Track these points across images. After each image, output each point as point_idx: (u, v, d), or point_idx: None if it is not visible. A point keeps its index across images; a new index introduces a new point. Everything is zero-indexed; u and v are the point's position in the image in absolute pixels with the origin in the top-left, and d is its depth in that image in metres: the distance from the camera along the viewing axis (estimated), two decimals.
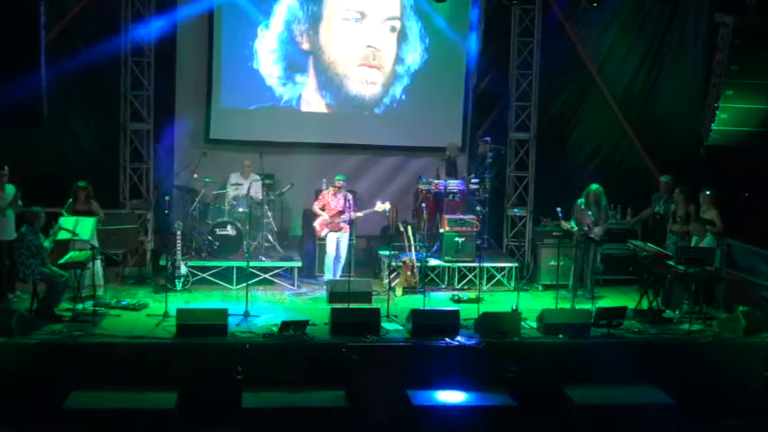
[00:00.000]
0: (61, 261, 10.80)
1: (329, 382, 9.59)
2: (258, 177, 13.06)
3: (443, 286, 12.71)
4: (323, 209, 12.45)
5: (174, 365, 9.57)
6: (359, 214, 12.50)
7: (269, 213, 13.09)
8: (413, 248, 12.49)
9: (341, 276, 12.30)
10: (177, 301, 11.17)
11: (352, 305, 10.86)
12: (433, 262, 12.68)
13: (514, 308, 11.23)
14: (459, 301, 12.00)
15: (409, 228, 12.65)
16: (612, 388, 9.90)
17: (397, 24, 14.17)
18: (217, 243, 12.59)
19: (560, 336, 10.38)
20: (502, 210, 14.16)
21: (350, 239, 12.48)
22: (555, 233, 12.76)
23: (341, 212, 12.36)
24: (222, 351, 9.75)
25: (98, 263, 11.29)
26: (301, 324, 10.04)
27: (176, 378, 9.45)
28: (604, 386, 9.91)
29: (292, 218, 14.25)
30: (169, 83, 13.65)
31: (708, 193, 12.10)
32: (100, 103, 13.27)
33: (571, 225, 12.12)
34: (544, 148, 14.18)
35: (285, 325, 9.98)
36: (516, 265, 12.98)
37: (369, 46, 14.11)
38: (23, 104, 10.10)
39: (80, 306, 10.63)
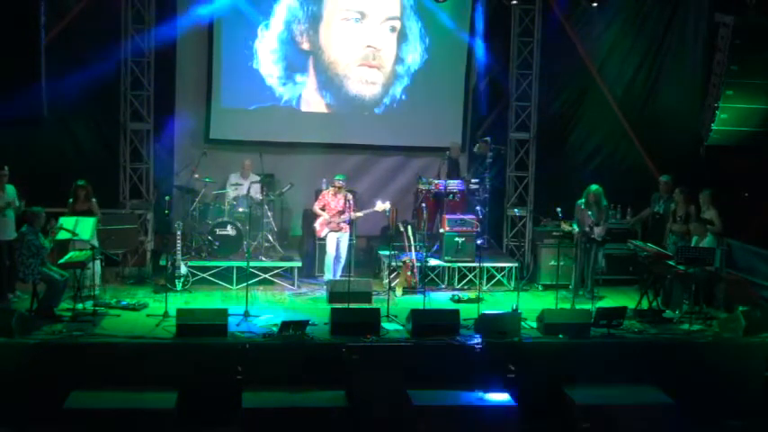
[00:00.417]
0: (61, 261, 10.80)
1: (329, 382, 9.58)
2: (258, 177, 13.06)
3: (443, 286, 12.71)
4: (323, 209, 12.45)
5: (174, 365, 9.57)
6: (359, 214, 12.50)
7: (269, 213, 13.09)
8: (413, 248, 12.49)
9: (341, 276, 12.30)
10: (177, 301, 11.17)
11: (352, 305, 10.86)
12: (433, 262, 12.68)
13: (514, 308, 11.23)
14: (459, 301, 12.00)
15: (409, 228, 12.65)
16: (612, 388, 9.89)
17: (397, 24, 14.18)
18: (217, 243, 12.59)
19: (560, 336, 10.38)
20: (502, 210, 14.16)
21: (350, 239, 12.48)
22: (555, 233, 12.76)
23: (341, 212, 12.36)
24: (222, 351, 9.75)
25: (97, 263, 11.29)
26: (301, 324, 10.03)
27: (176, 378, 9.44)
28: (604, 386, 9.90)
29: (292, 218, 14.25)
30: (169, 83, 13.65)
31: (707, 192, 12.10)
32: (100, 103, 13.26)
33: (572, 227, 12.12)
34: (544, 148, 14.18)
35: (285, 325, 9.97)
36: (516, 265, 12.98)
37: (369, 46, 14.11)
38: (23, 104, 10.11)
39: (80, 306, 10.63)
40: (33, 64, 10.17)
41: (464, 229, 12.81)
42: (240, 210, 12.88)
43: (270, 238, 13.05)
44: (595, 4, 13.48)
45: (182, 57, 13.71)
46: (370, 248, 13.93)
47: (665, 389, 9.90)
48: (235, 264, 12.26)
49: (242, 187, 13.21)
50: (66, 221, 10.85)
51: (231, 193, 13.15)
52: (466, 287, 12.66)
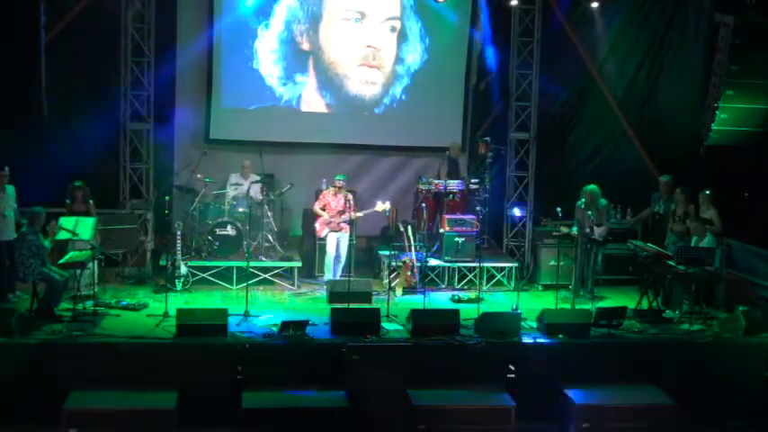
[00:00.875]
0: (61, 261, 10.79)
1: (329, 382, 9.59)
2: (258, 177, 13.06)
3: (443, 286, 12.71)
4: (323, 209, 12.45)
5: (174, 365, 9.56)
6: (359, 214, 12.50)
7: (269, 213, 13.09)
8: (413, 248, 12.48)
9: (341, 276, 12.30)
10: (177, 301, 11.17)
11: (352, 305, 10.86)
12: (433, 262, 12.68)
13: (514, 308, 11.23)
14: (459, 301, 12.00)
15: (409, 228, 12.65)
16: (612, 388, 9.89)
17: (397, 24, 14.18)
18: (217, 243, 12.59)
19: (560, 336, 10.38)
20: (502, 210, 14.16)
21: (350, 239, 12.48)
22: (555, 233, 12.76)
23: (341, 212, 12.36)
24: (222, 351, 9.75)
25: (97, 262, 11.27)
26: (301, 324, 10.03)
27: (176, 378, 9.44)
28: (604, 386, 9.90)
29: (292, 218, 14.25)
30: (169, 83, 13.64)
31: (707, 192, 12.10)
32: (100, 103, 13.26)
33: (571, 230, 12.11)
34: (544, 148, 14.18)
35: (285, 325, 9.98)
36: (516, 265, 12.98)
37: (369, 46, 14.11)
38: (23, 104, 10.11)
39: (80, 306, 10.63)
40: (33, 64, 10.17)
41: (464, 229, 12.81)
42: (240, 210, 12.88)
43: (270, 238, 13.05)
44: (595, 5, 13.50)
45: (182, 57, 13.70)
46: (370, 248, 13.93)
47: (665, 389, 9.91)
48: (235, 264, 12.26)
49: (242, 187, 13.21)
50: (66, 222, 10.85)
51: (231, 193, 13.15)
52: (466, 287, 12.66)
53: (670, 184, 12.77)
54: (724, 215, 11.96)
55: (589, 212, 12.01)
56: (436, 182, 13.29)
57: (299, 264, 12.63)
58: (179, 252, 11.83)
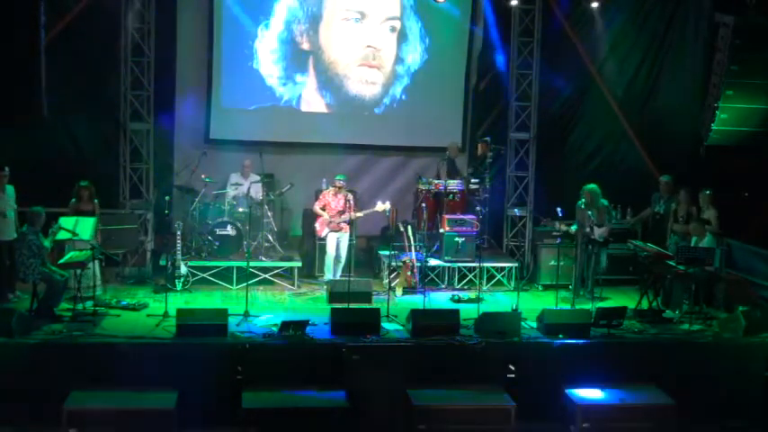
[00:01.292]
0: (61, 261, 10.80)
1: (329, 382, 9.59)
2: (258, 177, 13.06)
3: (443, 286, 12.70)
4: (323, 209, 12.45)
5: (174, 365, 9.56)
6: (359, 214, 12.50)
7: (269, 213, 13.09)
8: (413, 248, 12.48)
9: (341, 276, 12.30)
10: (177, 301, 11.17)
11: (352, 305, 10.86)
12: (433, 262, 12.68)
13: (514, 308, 11.23)
14: (459, 301, 12.00)
15: (409, 228, 12.64)
16: (612, 388, 9.88)
17: (397, 24, 14.18)
18: (217, 243, 12.59)
19: (560, 336, 10.38)
20: (502, 210, 14.16)
21: (350, 239, 12.48)
22: (554, 233, 12.76)
23: (341, 212, 12.36)
24: (222, 351, 9.75)
25: (97, 263, 11.28)
26: (301, 324, 10.03)
27: (176, 378, 9.43)
28: (604, 386, 9.90)
29: (292, 218, 14.25)
30: (169, 83, 13.65)
31: (708, 192, 12.11)
32: (100, 103, 13.26)
33: (572, 228, 12.10)
34: (544, 148, 14.18)
35: (285, 325, 9.98)
36: (516, 265, 12.98)
37: (369, 46, 14.11)
38: (23, 104, 10.10)
39: (80, 306, 10.63)
40: (33, 64, 10.16)
41: (464, 229, 12.80)
42: (240, 210, 12.88)
43: (270, 238, 13.05)
44: (595, 5, 13.50)
45: (182, 57, 13.71)
46: (370, 248, 13.93)
47: (665, 389, 9.91)
48: (235, 264, 12.26)
49: (242, 187, 13.21)
50: (66, 221, 10.85)
51: (231, 193, 13.14)
52: (466, 287, 12.66)
53: (670, 184, 12.77)
54: (724, 215, 11.95)
55: (589, 213, 12.01)
56: (436, 182, 13.29)
57: (299, 264, 12.63)
58: (179, 252, 11.83)
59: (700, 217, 11.93)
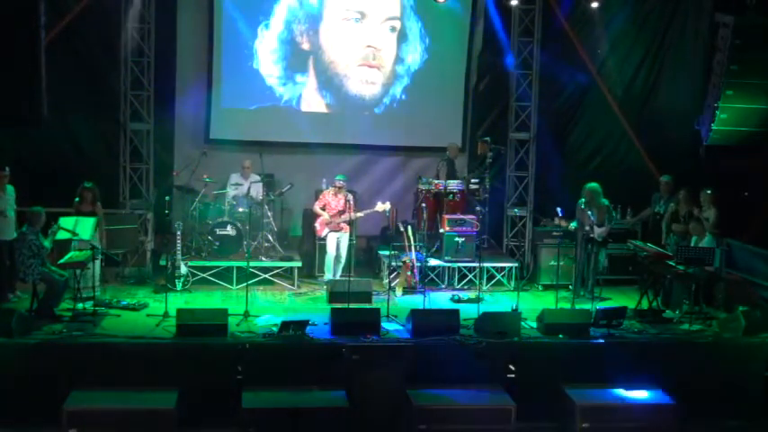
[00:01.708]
0: (61, 261, 10.79)
1: (329, 382, 9.59)
2: (258, 178, 13.06)
3: (443, 286, 12.71)
4: (323, 209, 12.45)
5: (174, 365, 9.56)
6: (359, 214, 12.50)
7: (269, 213, 13.09)
8: (413, 248, 12.48)
9: (341, 276, 12.30)
10: (177, 301, 11.17)
11: (352, 305, 10.86)
12: (433, 262, 12.68)
13: (514, 308, 11.23)
14: (459, 301, 12.00)
15: (409, 228, 12.64)
16: (612, 388, 9.88)
17: (397, 24, 14.18)
18: (217, 243, 12.59)
19: (560, 336, 10.38)
20: (502, 210, 14.16)
21: (350, 239, 12.48)
22: (555, 233, 12.76)
23: (341, 212, 12.37)
24: (222, 351, 9.75)
25: (97, 263, 11.28)
26: (301, 324, 10.03)
27: (176, 378, 9.44)
28: (604, 386, 9.90)
29: (292, 218, 14.25)
30: (169, 83, 13.65)
31: (708, 192, 12.11)
32: (100, 103, 13.27)
33: (572, 225, 12.11)
34: (544, 148, 14.18)
35: (285, 325, 9.97)
36: (516, 265, 12.98)
37: (369, 46, 14.12)
38: (23, 104, 10.09)
39: (80, 306, 10.63)
40: (33, 64, 10.13)
41: (464, 229, 12.81)
42: (240, 210, 12.88)
43: (270, 238, 13.05)
44: (595, 5, 13.49)
45: (182, 57, 13.72)
46: (370, 248, 13.93)
47: (665, 389, 9.90)
48: (235, 264, 12.26)
49: (242, 187, 13.21)
50: (66, 221, 10.85)
51: (231, 193, 13.14)
52: (466, 287, 12.66)
53: (670, 184, 12.78)
54: (724, 215, 11.95)
55: (589, 212, 12.00)
56: (436, 182, 13.30)
57: (299, 264, 12.63)
58: (179, 252, 11.83)
59: (699, 217, 11.92)
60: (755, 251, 12.44)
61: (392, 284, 12.26)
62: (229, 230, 12.66)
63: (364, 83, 14.23)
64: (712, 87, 12.66)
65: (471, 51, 14.44)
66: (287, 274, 12.62)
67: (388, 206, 12.45)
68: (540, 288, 12.88)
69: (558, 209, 12.03)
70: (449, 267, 12.78)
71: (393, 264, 12.43)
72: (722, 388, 10.17)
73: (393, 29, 14.18)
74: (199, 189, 13.02)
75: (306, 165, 14.09)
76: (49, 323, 10.15)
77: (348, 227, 12.44)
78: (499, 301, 12.17)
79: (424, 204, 13.03)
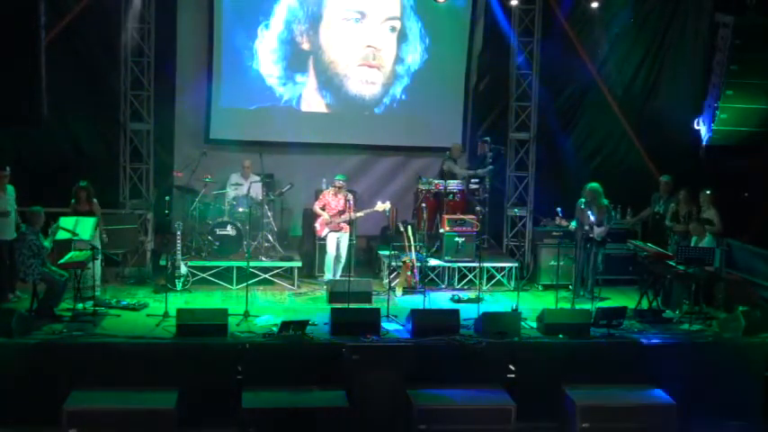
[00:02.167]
0: (61, 261, 10.79)
1: (329, 382, 9.59)
2: (258, 178, 13.06)
3: (443, 286, 12.71)
4: (323, 209, 12.45)
5: (174, 365, 9.56)
6: (359, 214, 12.50)
7: (269, 213, 13.09)
8: (413, 248, 12.48)
9: (341, 276, 12.30)
10: (177, 301, 11.17)
11: (352, 305, 10.86)
12: (433, 262, 12.67)
13: (514, 308, 11.23)
14: (459, 301, 12.00)
15: (409, 228, 12.64)
16: (612, 388, 9.89)
17: (397, 24, 14.18)
18: (217, 243, 12.59)
19: (560, 336, 10.38)
20: (502, 210, 14.16)
21: (350, 239, 12.48)
22: (555, 233, 12.76)
23: (341, 212, 12.36)
24: (222, 351, 9.74)
25: (97, 263, 11.28)
26: (301, 324, 10.03)
27: (176, 378, 9.44)
28: (604, 386, 9.90)
29: (292, 218, 14.25)
30: (169, 83, 13.65)
31: (708, 192, 12.11)
32: (100, 103, 13.26)
33: (572, 224, 12.11)
34: (544, 148, 14.18)
35: (285, 325, 9.97)
36: (516, 265, 12.98)
37: (369, 46, 14.12)
38: (23, 104, 10.09)
39: (80, 306, 10.63)
40: (33, 64, 10.13)
41: (464, 229, 12.80)
42: (240, 210, 12.87)
43: (270, 238, 13.05)
44: (595, 5, 13.49)
45: (182, 57, 13.71)
46: (370, 248, 13.93)
47: (665, 389, 9.90)
48: (235, 264, 12.26)
49: (242, 187, 13.21)
50: (66, 221, 10.85)
51: (231, 193, 13.14)
52: (466, 287, 12.66)
53: (670, 184, 12.78)
54: (724, 215, 11.95)
55: (589, 212, 12.00)
56: (436, 182, 13.30)
57: (299, 264, 12.63)
58: (179, 252, 11.83)
59: (699, 216, 11.92)
60: (755, 251, 12.45)
61: (392, 284, 12.26)
62: (229, 230, 12.66)
63: (364, 83, 14.22)
64: (712, 87, 12.65)
65: (471, 51, 14.45)
66: (287, 274, 12.62)
67: (388, 206, 12.45)
68: (540, 288, 12.88)
69: (558, 209, 12.03)
70: (449, 267, 12.78)
71: (393, 264, 12.43)
72: (722, 388, 10.17)
73: (393, 29, 14.18)
74: (199, 189, 13.02)
75: (306, 165, 14.09)
76: (49, 323, 10.15)
77: (348, 227, 12.44)
78: (499, 301, 12.17)
79: (424, 204, 13.03)
